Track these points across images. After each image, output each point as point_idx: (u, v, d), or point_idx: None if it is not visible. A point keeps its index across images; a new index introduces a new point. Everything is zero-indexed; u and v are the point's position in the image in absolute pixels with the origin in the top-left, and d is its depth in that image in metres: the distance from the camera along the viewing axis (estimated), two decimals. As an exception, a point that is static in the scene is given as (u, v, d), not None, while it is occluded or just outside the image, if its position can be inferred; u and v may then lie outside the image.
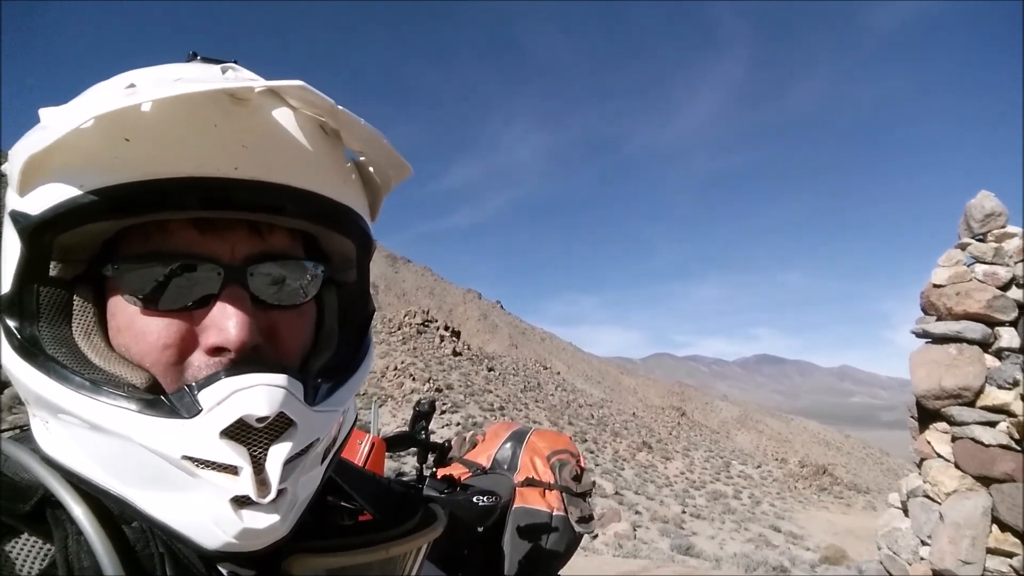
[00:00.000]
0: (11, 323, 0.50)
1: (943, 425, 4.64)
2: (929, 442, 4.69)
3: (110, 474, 0.48)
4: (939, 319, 4.78)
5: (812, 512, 33.20)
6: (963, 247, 4.86)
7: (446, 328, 58.69)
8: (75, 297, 0.52)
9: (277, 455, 0.48)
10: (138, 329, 0.51)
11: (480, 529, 2.02)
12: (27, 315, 0.50)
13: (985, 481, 4.32)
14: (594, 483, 2.59)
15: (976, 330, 4.54)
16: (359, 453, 1.98)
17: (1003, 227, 4.75)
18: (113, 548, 0.45)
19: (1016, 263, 4.58)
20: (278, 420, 0.48)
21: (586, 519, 2.33)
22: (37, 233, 0.48)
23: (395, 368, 40.09)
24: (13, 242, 0.50)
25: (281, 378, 0.48)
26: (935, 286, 4.83)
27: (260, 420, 0.46)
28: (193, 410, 0.46)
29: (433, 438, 2.09)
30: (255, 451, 0.47)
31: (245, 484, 0.46)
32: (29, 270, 0.49)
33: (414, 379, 38.12)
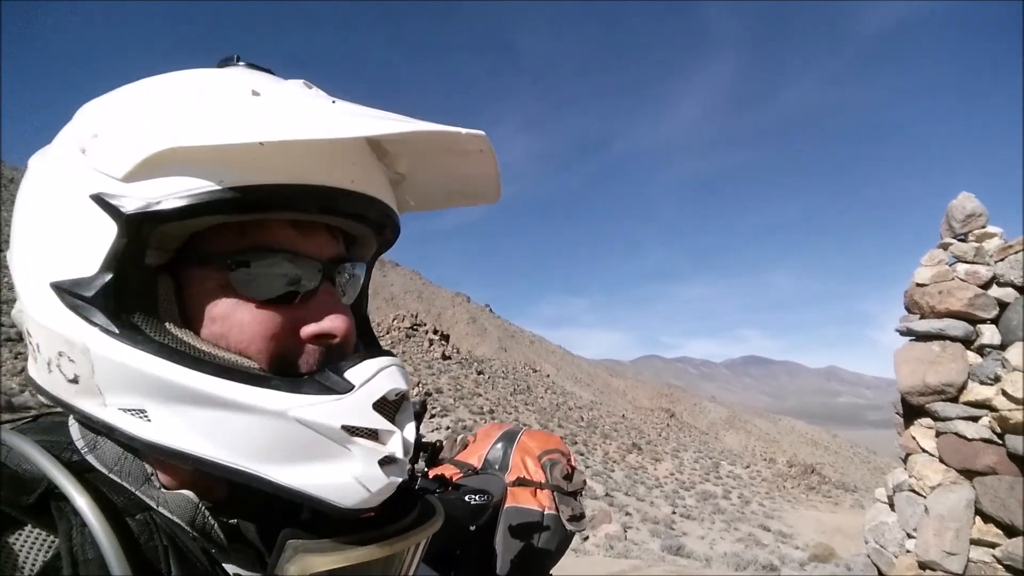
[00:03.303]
0: (103, 308, 0.49)
1: (927, 421, 4.70)
2: (914, 437, 4.76)
3: (239, 451, 0.49)
4: (922, 317, 4.86)
5: (801, 511, 33.43)
6: (945, 247, 4.94)
7: (435, 332, 58.53)
8: (159, 286, 0.53)
9: (409, 422, 0.57)
10: (240, 319, 0.53)
11: (472, 528, 2.03)
12: (125, 301, 0.49)
13: (968, 474, 4.38)
14: (584, 482, 2.61)
15: (958, 328, 4.62)
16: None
17: (984, 227, 4.83)
18: (118, 541, 0.46)
19: (996, 262, 4.67)
20: (402, 395, 0.57)
21: (577, 517, 2.35)
22: (147, 221, 0.48)
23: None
24: (102, 225, 0.49)
25: (400, 361, 0.58)
26: (918, 285, 4.91)
27: (397, 394, 0.55)
28: (345, 387, 0.52)
29: (423, 440, 2.10)
30: (391, 419, 0.55)
31: (396, 445, 0.54)
32: (126, 256, 0.49)
33: (403, 383, 37.97)
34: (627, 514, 22.76)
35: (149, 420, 0.50)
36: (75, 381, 0.50)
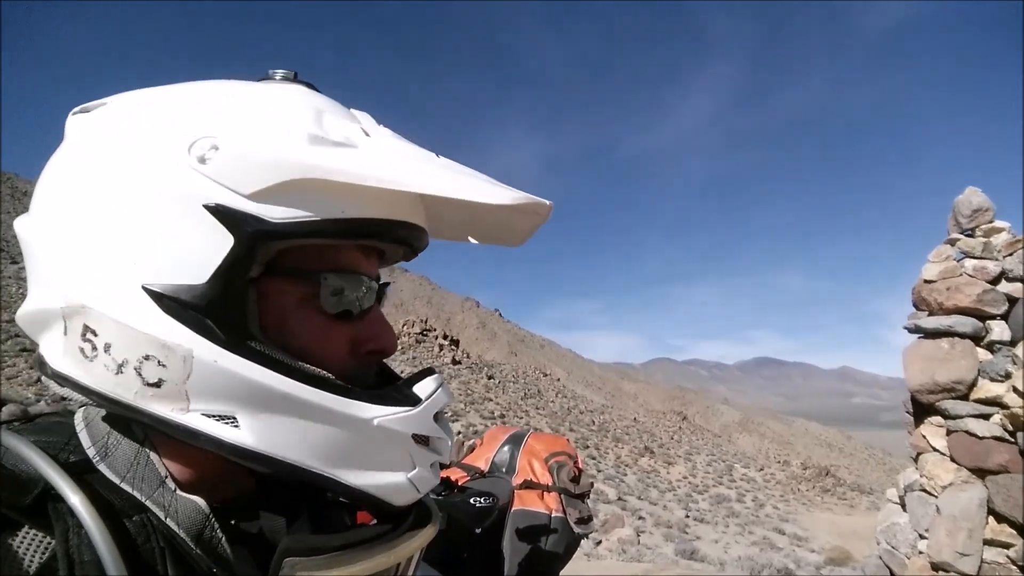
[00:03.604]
0: (219, 320, 0.50)
1: (938, 419, 4.67)
2: (924, 436, 4.72)
3: (321, 456, 0.54)
4: (931, 314, 4.82)
5: (816, 514, 33.08)
6: (952, 242, 4.91)
7: (445, 337, 58.60)
8: (248, 298, 0.54)
9: (449, 430, 0.64)
10: (316, 333, 0.57)
11: (478, 531, 2.04)
12: (232, 313, 0.51)
13: (980, 473, 4.34)
14: (592, 484, 2.61)
15: (967, 324, 4.58)
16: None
17: (991, 222, 4.80)
18: (114, 542, 0.46)
19: (1005, 257, 4.63)
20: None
21: (585, 520, 2.35)
22: (266, 239, 0.51)
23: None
24: (217, 236, 0.50)
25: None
26: (926, 281, 4.88)
27: (446, 407, 0.63)
28: (415, 400, 0.58)
29: None
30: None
31: (445, 450, 0.63)
32: (239, 268, 0.51)
33: (414, 389, 37.97)
34: (640, 518, 22.64)
35: (238, 426, 0.51)
36: (156, 385, 0.50)
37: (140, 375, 0.50)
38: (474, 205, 0.55)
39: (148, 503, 0.52)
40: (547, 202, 0.58)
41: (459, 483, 2.15)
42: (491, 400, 43.63)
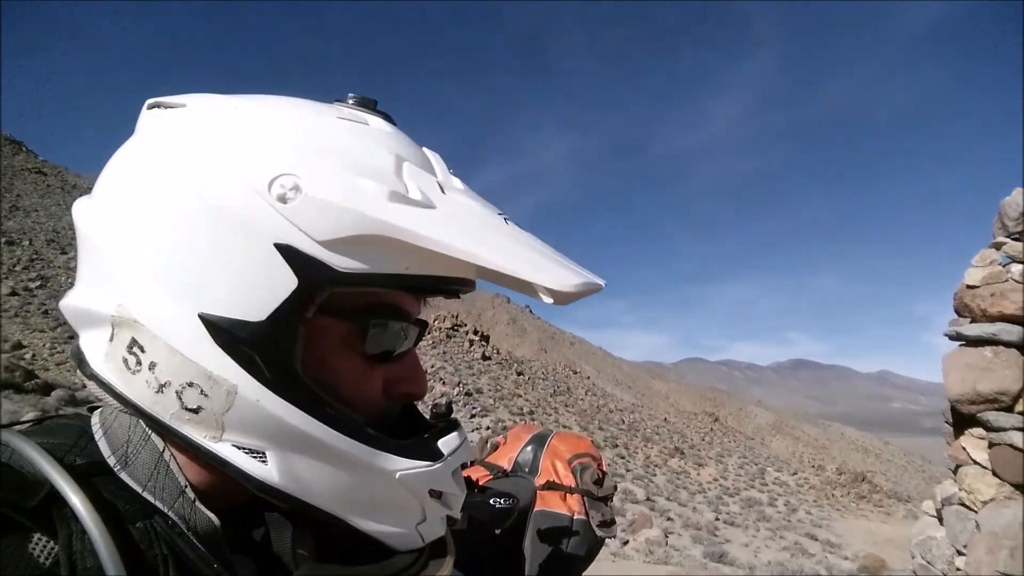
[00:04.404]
0: (269, 359, 0.50)
1: (979, 431, 4.50)
2: (964, 448, 4.56)
3: (338, 500, 0.55)
4: (973, 321, 4.66)
5: (850, 520, 32.32)
6: (998, 246, 4.72)
7: (475, 332, 58.87)
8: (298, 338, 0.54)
9: (462, 483, 0.64)
10: (353, 373, 0.58)
11: (498, 532, 2.05)
12: (282, 353, 0.51)
13: (1024, 489, 4.19)
14: (615, 487, 2.59)
15: (1013, 332, 4.41)
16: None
17: (1041, 226, 4.61)
18: (116, 548, 0.45)
19: (1055, 263, 4.44)
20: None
21: (607, 523, 2.33)
22: (330, 284, 0.51)
23: (425, 372, 40.30)
24: (280, 274, 0.50)
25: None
26: (969, 287, 4.71)
27: (464, 464, 0.65)
28: (438, 455, 0.59)
29: None
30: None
31: (457, 505, 0.63)
32: (297, 311, 0.51)
33: (444, 383, 38.33)
34: (668, 519, 22.43)
35: (265, 462, 0.52)
36: (195, 411, 0.51)
37: (180, 399, 0.51)
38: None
39: (170, 513, 0.52)
40: (602, 284, 0.57)
41: (480, 482, 2.16)
42: (520, 396, 43.68)
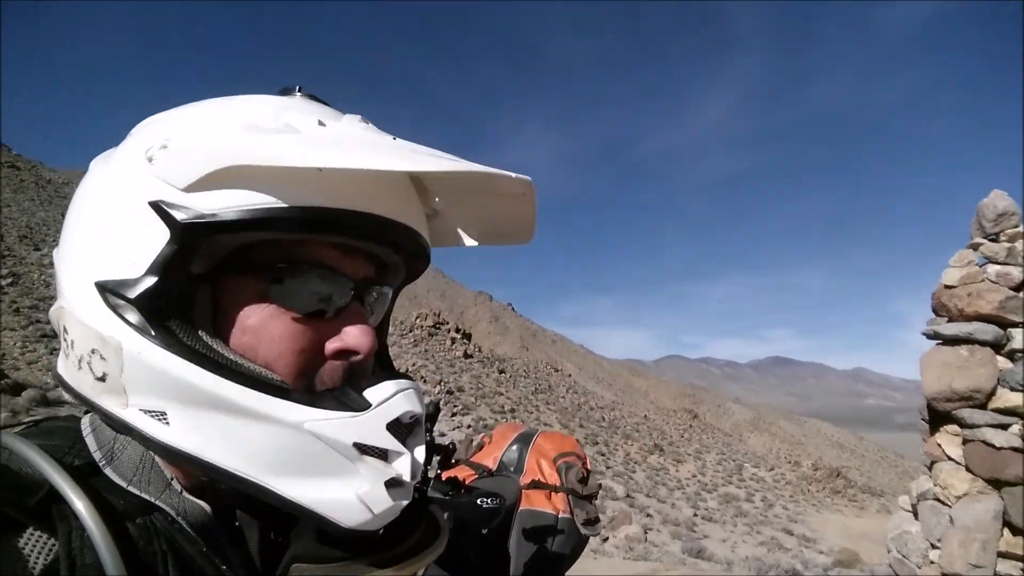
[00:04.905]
0: (144, 310, 0.50)
1: (954, 428, 4.60)
2: (939, 445, 4.65)
3: (251, 461, 0.51)
4: (950, 320, 4.75)
5: (825, 515, 32.86)
6: (975, 247, 4.82)
7: (457, 330, 58.73)
8: (198, 294, 0.54)
9: (420, 445, 0.58)
10: (271, 332, 0.54)
11: (485, 531, 2.03)
12: (165, 306, 0.51)
13: (996, 484, 4.28)
14: (600, 486, 2.59)
15: (988, 331, 4.50)
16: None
17: (1016, 227, 4.70)
18: (115, 545, 0.46)
19: (1029, 264, 4.54)
20: (416, 418, 0.58)
21: (592, 522, 2.33)
22: (200, 231, 0.50)
23: (407, 371, 40.12)
24: (156, 231, 0.50)
25: (418, 385, 0.59)
26: (946, 287, 4.80)
27: (412, 417, 0.57)
28: (362, 405, 0.54)
29: (443, 440, 2.11)
30: (402, 442, 0.56)
31: (403, 468, 0.55)
32: (175, 263, 0.50)
33: (425, 381, 38.20)
34: (648, 515, 22.60)
35: (167, 423, 0.51)
36: (102, 379, 0.52)
37: (91, 369, 0.52)
38: (448, 193, 0.60)
39: (159, 503, 0.53)
40: (511, 174, 0.55)
41: (466, 482, 2.15)
42: (502, 394, 43.71)
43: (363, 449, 0.53)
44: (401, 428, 0.56)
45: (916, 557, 4.60)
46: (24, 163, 64.44)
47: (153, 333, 0.50)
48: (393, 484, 0.55)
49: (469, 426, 30.49)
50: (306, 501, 0.51)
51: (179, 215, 0.50)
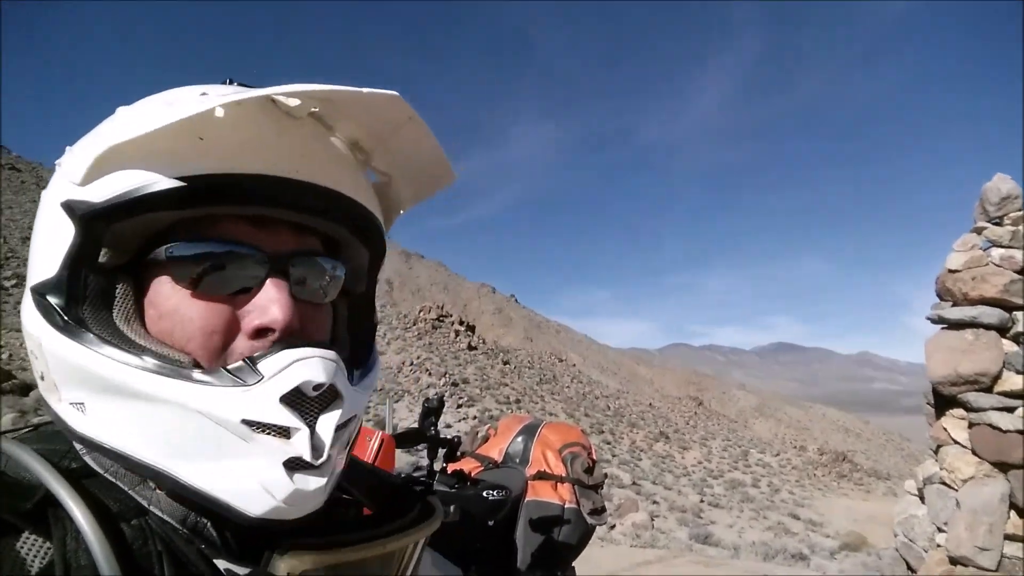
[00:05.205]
0: (56, 304, 0.52)
1: (959, 411, 4.59)
2: (945, 428, 4.65)
3: (154, 447, 0.50)
4: (955, 304, 4.73)
5: (832, 499, 32.95)
6: (979, 231, 4.79)
7: (461, 322, 58.76)
8: (118, 285, 0.54)
9: (329, 420, 0.53)
10: (183, 315, 0.53)
11: (491, 523, 2.04)
12: (74, 298, 0.52)
13: (1003, 467, 4.28)
14: (606, 475, 2.60)
15: (993, 315, 4.49)
16: (368, 450, 2.01)
17: (1020, 210, 4.67)
18: (110, 546, 0.46)
19: (1033, 246, 4.51)
20: (328, 391, 0.53)
21: (598, 511, 2.34)
22: (98, 219, 0.51)
23: (411, 363, 40.26)
24: (65, 229, 0.52)
25: (332, 353, 0.54)
26: (950, 271, 4.78)
27: (316, 388, 0.52)
28: (254, 378, 0.50)
29: (449, 432, 2.11)
30: (308, 419, 0.52)
31: (301, 446, 0.50)
32: (80, 255, 0.51)
33: (430, 374, 38.29)
34: (654, 503, 22.68)
35: (84, 413, 0.52)
36: (42, 378, 0.54)
37: (37, 371, 0.55)
38: (387, 151, 0.59)
39: (132, 493, 0.53)
40: (363, 90, 0.51)
41: (472, 474, 2.16)
42: (507, 385, 43.79)
43: (254, 426, 0.49)
44: (305, 401, 0.52)
45: (923, 541, 4.61)
46: (25, 165, 64.47)
47: (63, 326, 0.51)
48: (295, 465, 0.50)
49: (475, 417, 30.57)
50: (208, 488, 0.49)
51: (75, 208, 0.51)
